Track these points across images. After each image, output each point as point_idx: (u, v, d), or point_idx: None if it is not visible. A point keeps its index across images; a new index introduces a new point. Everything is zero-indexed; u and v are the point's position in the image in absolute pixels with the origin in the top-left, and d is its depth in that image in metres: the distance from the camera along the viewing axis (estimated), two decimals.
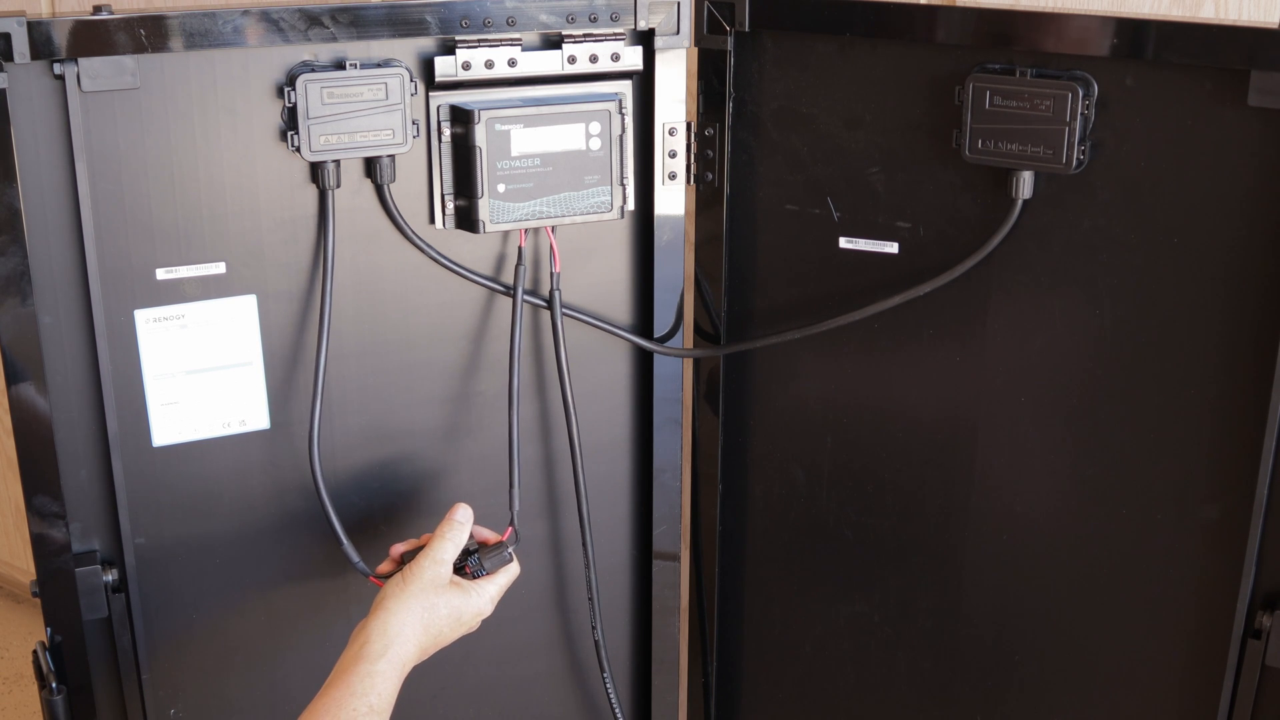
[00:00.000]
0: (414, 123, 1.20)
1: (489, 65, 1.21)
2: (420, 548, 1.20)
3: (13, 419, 1.16)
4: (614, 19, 1.24)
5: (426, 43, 1.21)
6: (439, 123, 1.22)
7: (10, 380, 1.15)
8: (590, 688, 1.47)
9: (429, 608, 1.15)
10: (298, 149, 1.17)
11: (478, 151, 1.21)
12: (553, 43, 1.24)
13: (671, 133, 1.31)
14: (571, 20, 1.23)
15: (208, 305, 1.21)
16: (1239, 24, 1.14)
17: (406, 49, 1.21)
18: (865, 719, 1.43)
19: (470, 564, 1.22)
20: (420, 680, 1.40)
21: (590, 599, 1.39)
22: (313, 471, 1.24)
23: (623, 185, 1.27)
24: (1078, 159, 1.14)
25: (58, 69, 1.10)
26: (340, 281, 1.24)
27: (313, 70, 1.17)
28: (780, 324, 1.33)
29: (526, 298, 1.30)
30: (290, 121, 1.17)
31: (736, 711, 1.50)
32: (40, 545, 1.19)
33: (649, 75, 1.29)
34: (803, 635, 1.43)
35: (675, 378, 1.39)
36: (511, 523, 1.26)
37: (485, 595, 1.20)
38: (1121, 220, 1.16)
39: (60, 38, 1.09)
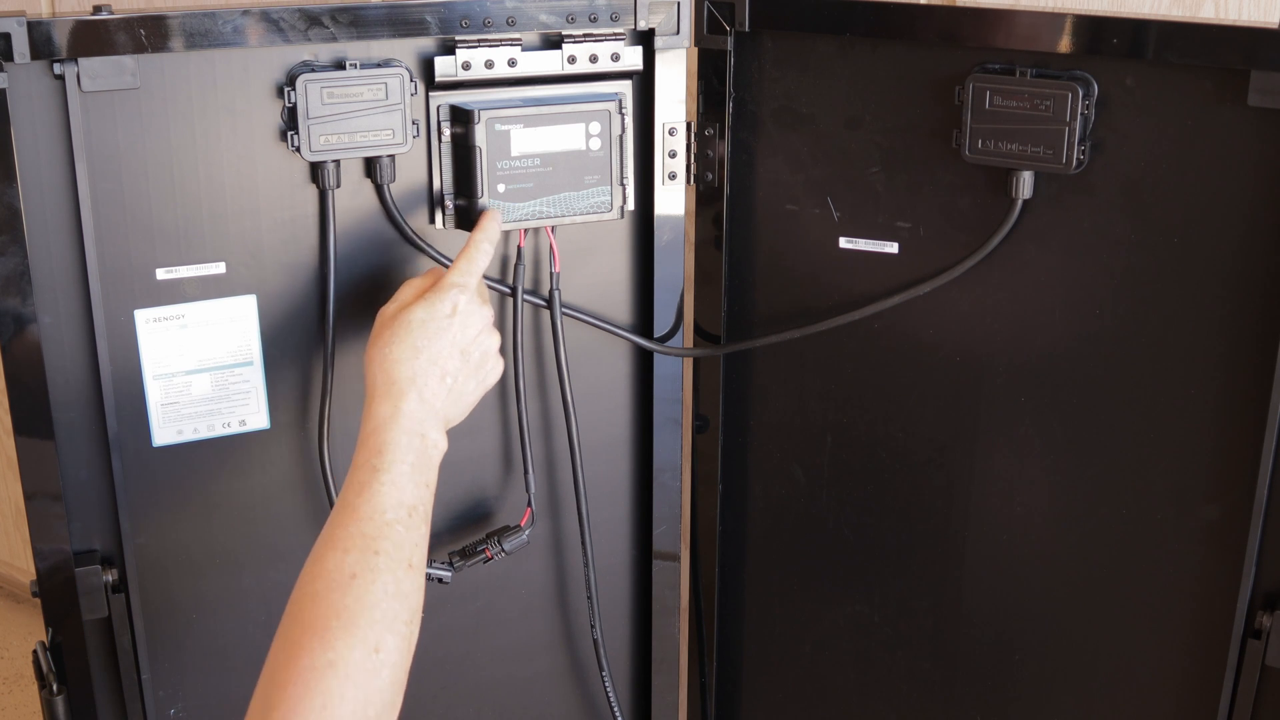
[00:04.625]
0: (414, 123, 1.20)
1: (489, 65, 1.21)
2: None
3: (13, 419, 1.16)
4: (614, 19, 1.24)
5: (426, 43, 1.21)
6: (439, 123, 1.22)
7: (10, 380, 1.15)
8: (590, 688, 1.47)
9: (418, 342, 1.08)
10: (298, 149, 1.17)
11: (478, 151, 1.21)
12: (553, 43, 1.24)
13: (671, 133, 1.31)
14: (571, 20, 1.23)
15: (208, 305, 1.21)
16: (1239, 24, 1.14)
17: (406, 49, 1.21)
18: (865, 719, 1.43)
19: (490, 546, 1.30)
20: (420, 680, 1.40)
21: (590, 599, 1.39)
22: (322, 469, 1.24)
23: (623, 185, 1.27)
24: (1078, 159, 1.14)
25: (58, 69, 1.10)
26: (340, 281, 1.24)
27: (313, 70, 1.17)
28: (780, 324, 1.33)
29: (526, 298, 1.30)
30: (290, 121, 1.17)
31: (736, 711, 1.50)
32: (40, 545, 1.19)
33: (649, 75, 1.29)
34: (803, 635, 1.43)
35: (675, 378, 1.39)
36: (529, 504, 1.32)
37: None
38: (1121, 220, 1.16)
39: (60, 38, 1.09)
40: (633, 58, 1.26)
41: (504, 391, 1.34)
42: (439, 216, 1.25)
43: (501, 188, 1.23)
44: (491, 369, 1.15)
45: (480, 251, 1.16)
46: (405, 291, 1.15)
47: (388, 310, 1.13)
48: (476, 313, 1.13)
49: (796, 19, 1.25)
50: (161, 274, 1.19)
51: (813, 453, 1.37)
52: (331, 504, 1.25)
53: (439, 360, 1.09)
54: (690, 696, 1.52)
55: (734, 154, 1.31)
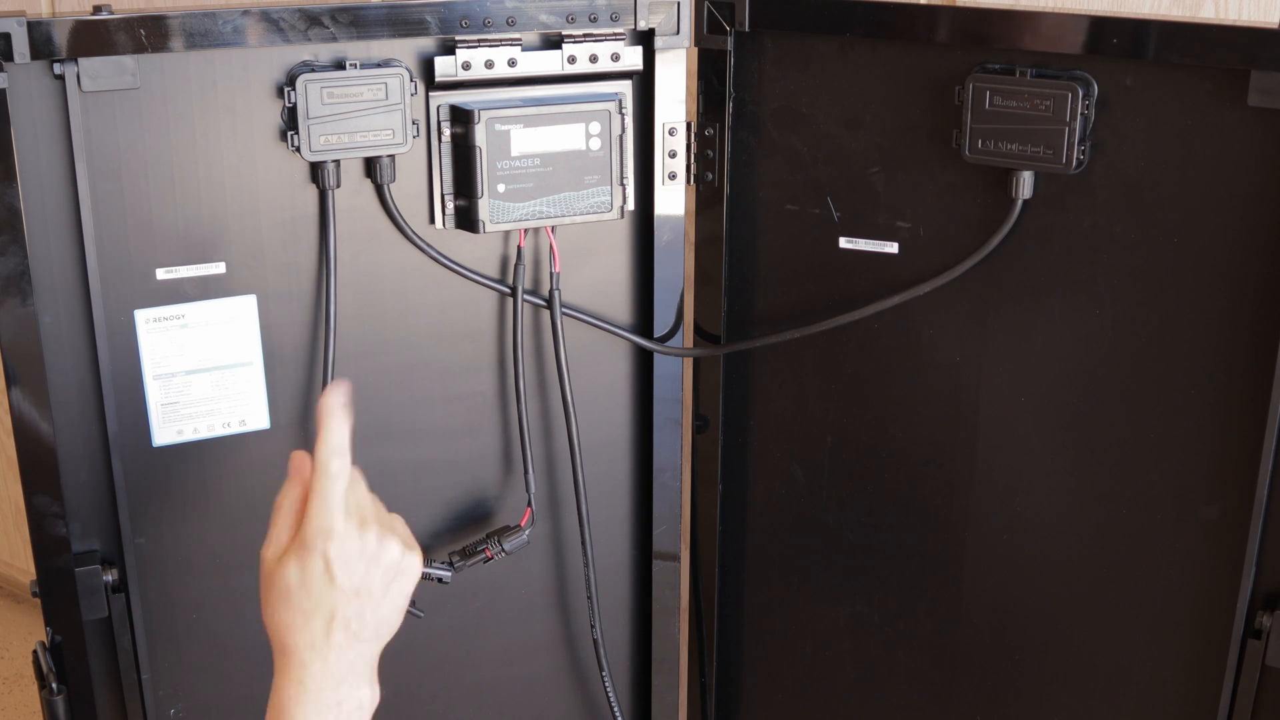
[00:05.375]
0: (414, 123, 1.20)
1: (489, 65, 1.21)
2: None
3: (13, 419, 1.16)
4: (614, 19, 1.24)
5: (426, 43, 1.21)
6: (439, 123, 1.22)
7: (10, 380, 1.15)
8: (590, 688, 1.47)
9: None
10: (298, 149, 1.17)
11: (478, 151, 1.21)
12: (553, 43, 1.24)
13: (671, 133, 1.31)
14: (571, 20, 1.23)
15: (208, 305, 1.21)
16: (1239, 24, 1.14)
17: (406, 49, 1.21)
18: (865, 719, 1.43)
19: (490, 546, 1.30)
20: (420, 680, 1.40)
21: (590, 599, 1.39)
22: None
23: (623, 185, 1.27)
24: (1078, 159, 1.14)
25: (58, 69, 1.10)
26: (340, 281, 1.24)
27: (313, 70, 1.17)
28: (780, 324, 1.33)
29: (526, 298, 1.30)
30: (290, 121, 1.17)
31: (736, 711, 1.50)
32: (40, 545, 1.19)
33: (649, 75, 1.28)
34: (803, 635, 1.43)
35: (675, 378, 1.39)
36: (529, 504, 1.32)
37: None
38: (1121, 220, 1.16)
39: (60, 38, 1.09)
40: (633, 58, 1.26)
41: (504, 391, 1.34)
42: (439, 216, 1.25)
43: (501, 188, 1.23)
44: (398, 585, 0.97)
45: (330, 479, 0.95)
46: (279, 525, 0.96)
47: (266, 556, 0.95)
48: (356, 555, 0.94)
49: (796, 19, 1.25)
50: (161, 274, 1.19)
51: (813, 453, 1.37)
52: None
53: (334, 616, 0.94)
54: (690, 696, 1.52)
55: (734, 154, 1.31)
